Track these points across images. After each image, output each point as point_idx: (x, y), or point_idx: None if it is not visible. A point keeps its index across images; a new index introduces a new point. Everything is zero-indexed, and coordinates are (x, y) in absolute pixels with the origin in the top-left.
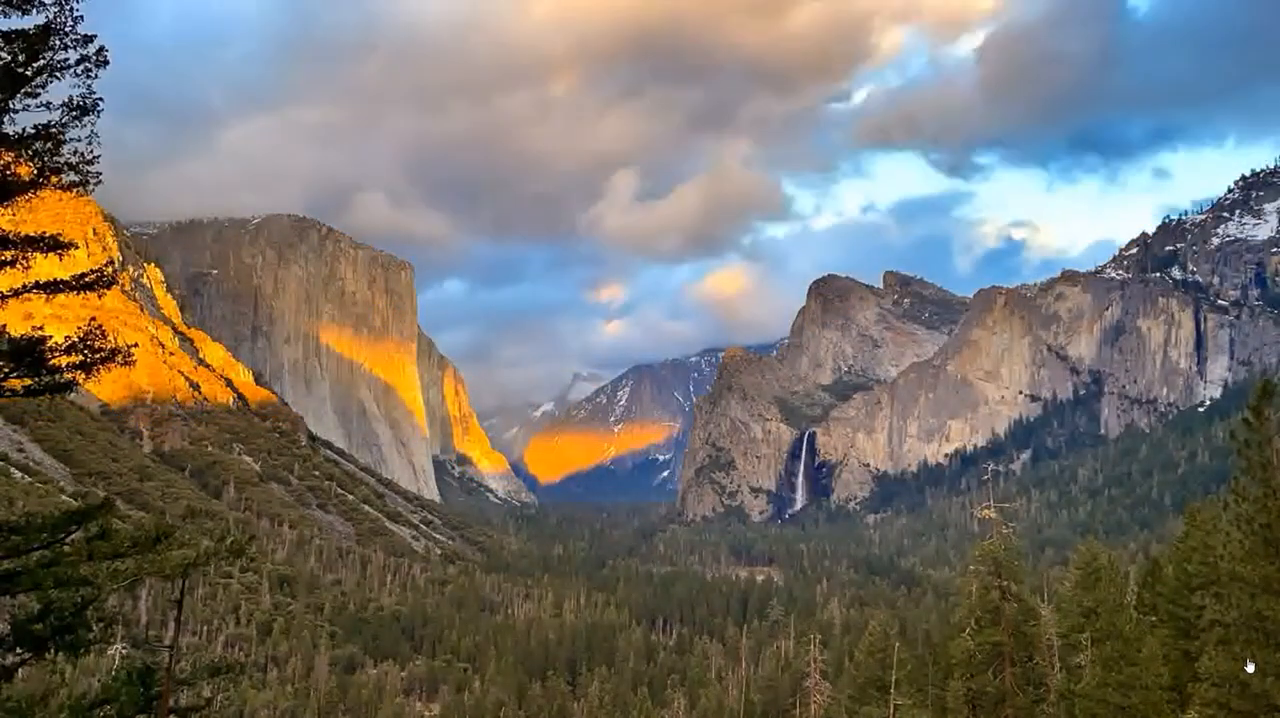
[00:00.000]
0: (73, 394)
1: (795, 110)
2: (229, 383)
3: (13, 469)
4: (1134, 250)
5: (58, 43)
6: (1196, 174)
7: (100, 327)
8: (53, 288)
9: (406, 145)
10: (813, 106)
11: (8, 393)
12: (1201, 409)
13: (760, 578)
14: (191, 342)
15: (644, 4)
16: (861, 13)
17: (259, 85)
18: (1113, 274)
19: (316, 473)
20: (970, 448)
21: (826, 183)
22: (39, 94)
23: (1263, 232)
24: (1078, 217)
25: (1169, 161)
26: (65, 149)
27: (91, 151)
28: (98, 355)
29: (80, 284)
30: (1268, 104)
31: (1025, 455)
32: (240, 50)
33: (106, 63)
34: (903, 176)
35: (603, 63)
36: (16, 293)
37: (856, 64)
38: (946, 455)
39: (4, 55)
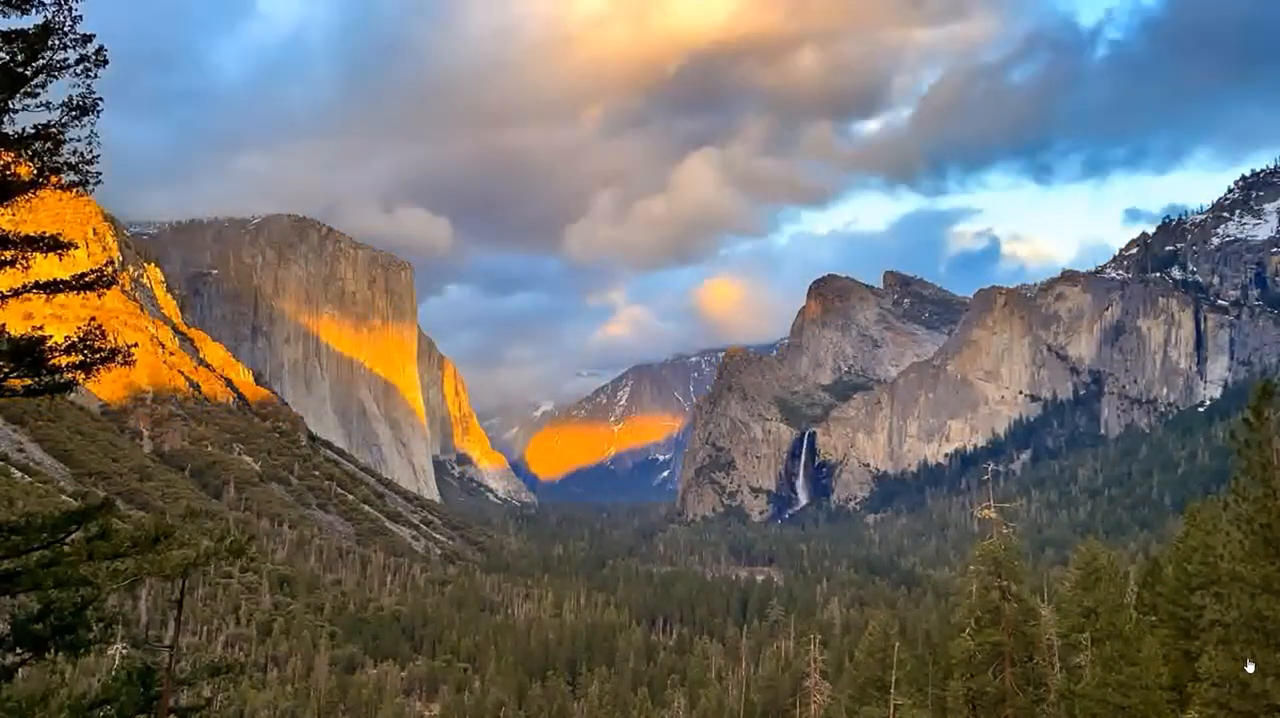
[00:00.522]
0: (73, 394)
1: (797, 137)
2: (229, 383)
3: (13, 469)
4: (1134, 250)
5: (57, 42)
6: (1163, 190)
7: (100, 327)
8: (53, 288)
9: (421, 167)
10: (817, 136)
11: (8, 393)
12: (1201, 409)
13: (760, 578)
14: (191, 342)
15: (662, 50)
16: (867, 55)
17: (296, 116)
18: (1113, 274)
19: (316, 473)
20: (970, 448)
21: (822, 201)
22: (38, 94)
23: (1263, 232)
24: (1055, 229)
25: (1135, 179)
26: (65, 149)
27: (91, 151)
28: (98, 355)
29: (80, 284)
30: (1228, 130)
31: (1025, 455)
32: (291, 86)
33: (106, 62)
34: (894, 197)
35: (617, 100)
36: (16, 293)
37: (861, 101)
38: (946, 455)
39: (3, 55)
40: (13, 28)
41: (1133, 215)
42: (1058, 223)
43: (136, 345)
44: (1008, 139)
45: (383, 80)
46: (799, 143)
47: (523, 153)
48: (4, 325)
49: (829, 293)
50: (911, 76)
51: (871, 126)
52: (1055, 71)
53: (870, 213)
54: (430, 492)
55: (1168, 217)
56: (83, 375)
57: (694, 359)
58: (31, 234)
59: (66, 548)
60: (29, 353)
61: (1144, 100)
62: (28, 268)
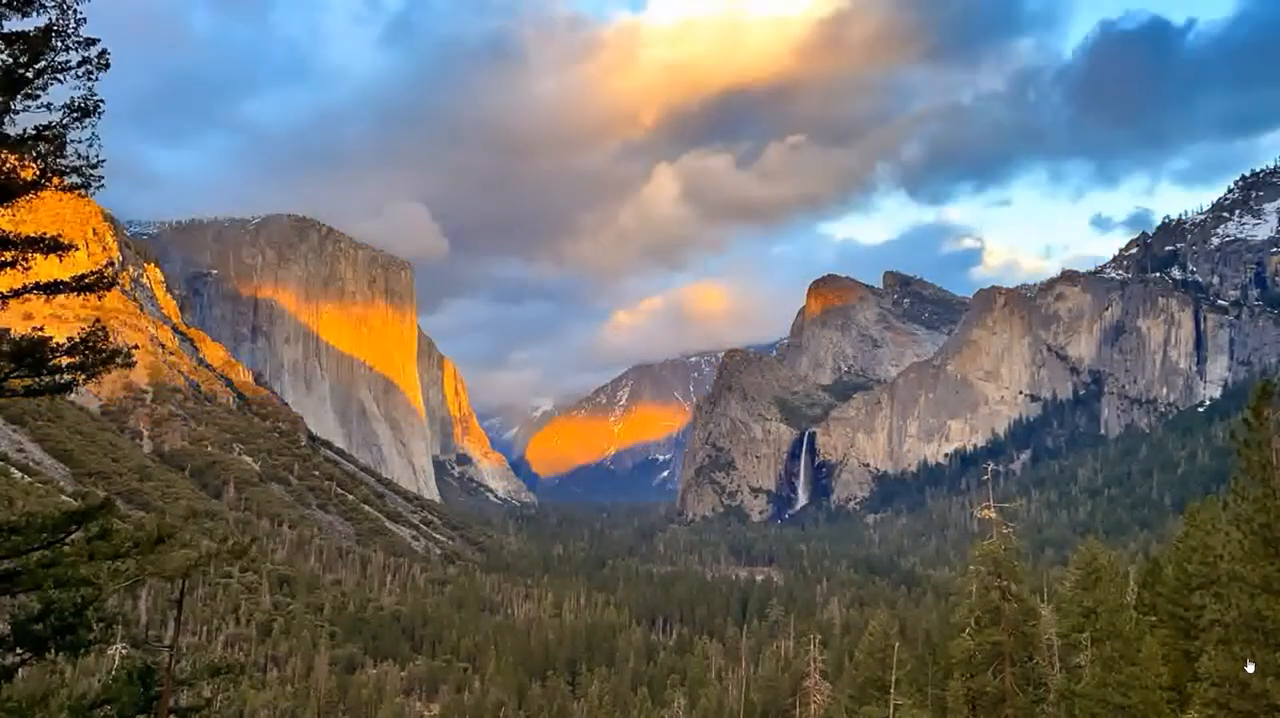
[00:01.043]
0: (73, 394)
1: (793, 162)
2: (229, 383)
3: (13, 469)
4: (1134, 250)
5: (59, 44)
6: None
7: (102, 328)
8: (53, 289)
9: (434, 196)
10: (812, 161)
11: (8, 393)
12: (1201, 409)
13: (760, 578)
14: (191, 342)
15: (681, 93)
16: (866, 92)
17: (332, 155)
18: (1113, 274)
19: (316, 473)
20: (970, 448)
21: (820, 217)
22: (40, 96)
23: (1263, 231)
24: (1027, 236)
25: (1105, 197)
26: (67, 150)
27: (93, 153)
28: (99, 356)
29: (80, 285)
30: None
31: (1025, 455)
32: (337, 128)
33: (108, 65)
34: (887, 213)
35: (632, 133)
36: (16, 293)
37: (861, 131)
38: (946, 455)
39: (5, 57)
40: (14, 29)
41: (1098, 223)
42: (1031, 231)
43: (137, 346)
44: (987, 163)
45: (419, 122)
46: (795, 166)
47: (536, 176)
48: (7, 330)
49: (829, 293)
50: (904, 109)
51: (868, 151)
52: (1031, 103)
53: (864, 227)
54: (430, 492)
55: (1168, 218)
56: (84, 376)
57: (694, 359)
58: (32, 235)
59: (66, 548)
60: (31, 354)
61: (1110, 126)
62: (28, 269)
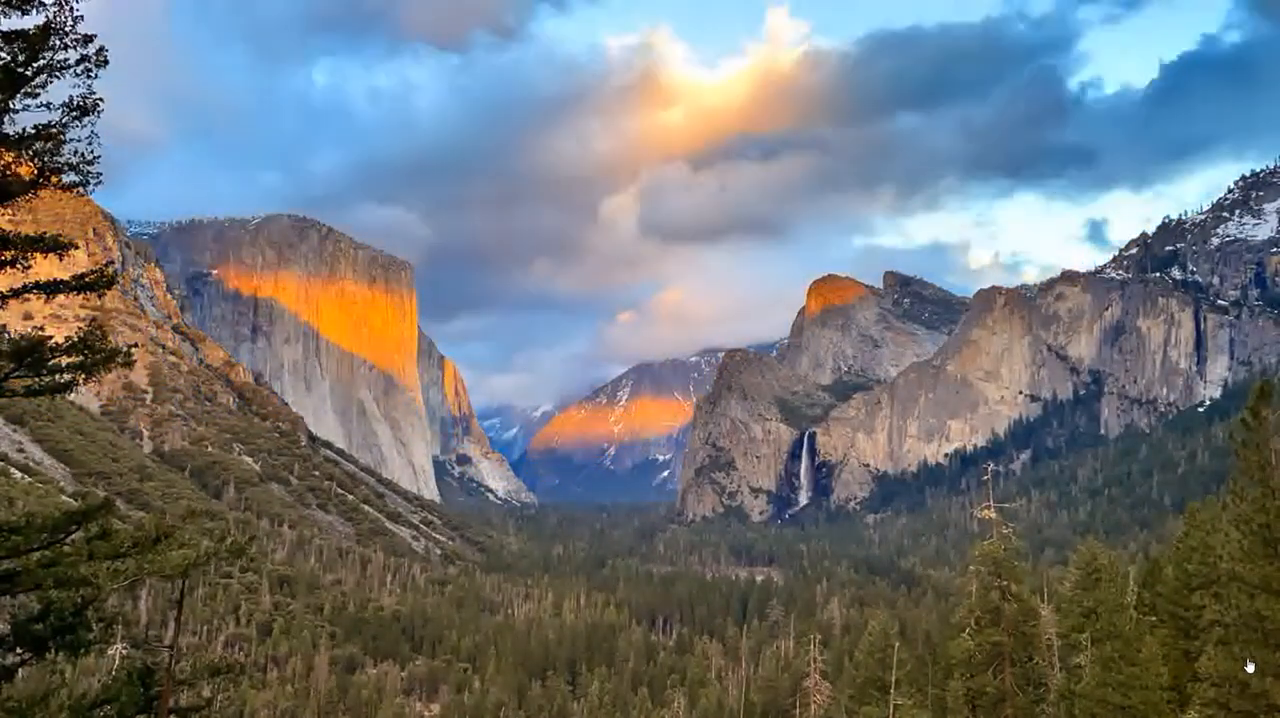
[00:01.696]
0: (73, 394)
1: (784, 176)
2: (229, 383)
3: (13, 469)
4: (1134, 250)
5: (58, 43)
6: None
7: (100, 327)
8: (53, 288)
9: (448, 217)
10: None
11: (8, 393)
12: (1201, 409)
13: (760, 578)
14: (192, 341)
15: (689, 136)
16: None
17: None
18: (1113, 274)
19: (316, 473)
20: (970, 448)
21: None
22: (39, 94)
23: (1263, 231)
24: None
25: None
26: (65, 149)
27: (92, 152)
28: (98, 356)
29: (80, 284)
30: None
31: (1025, 455)
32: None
33: (106, 63)
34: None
35: (648, 165)
36: (16, 293)
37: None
38: (946, 455)
39: (4, 55)
40: (13, 28)
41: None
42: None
43: (136, 345)
44: (960, 183)
45: (453, 164)
46: (786, 180)
47: (553, 200)
48: (4, 326)
49: (829, 292)
50: (898, 141)
51: (864, 172)
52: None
53: (859, 235)
54: (430, 492)
55: (1168, 218)
56: (83, 376)
57: (694, 359)
58: (31, 234)
59: (66, 548)
60: (30, 353)
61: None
62: (28, 268)
